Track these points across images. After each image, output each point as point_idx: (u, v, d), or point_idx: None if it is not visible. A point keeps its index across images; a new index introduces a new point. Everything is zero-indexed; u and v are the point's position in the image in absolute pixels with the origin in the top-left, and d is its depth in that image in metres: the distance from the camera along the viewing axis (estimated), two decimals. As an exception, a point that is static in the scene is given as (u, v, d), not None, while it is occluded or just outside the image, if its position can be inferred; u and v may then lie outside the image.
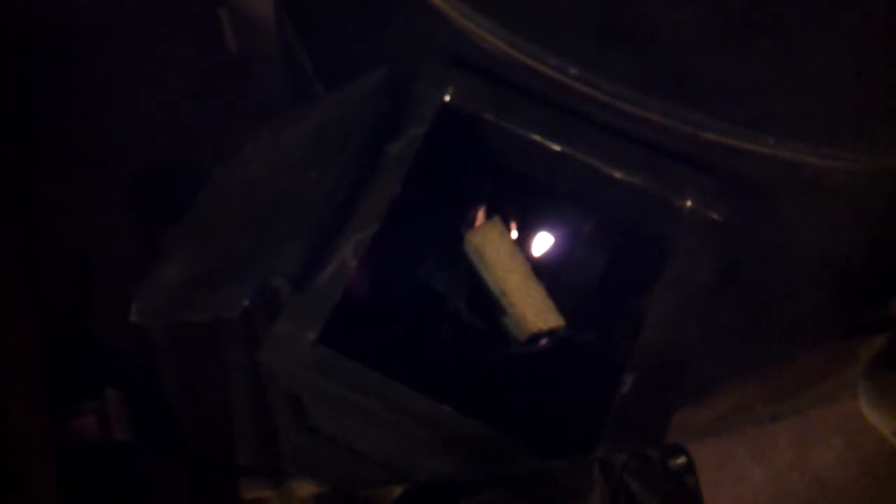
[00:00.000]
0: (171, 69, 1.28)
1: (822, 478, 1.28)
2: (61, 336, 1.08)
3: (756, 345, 0.88)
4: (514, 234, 0.68)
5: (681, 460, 0.45)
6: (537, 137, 0.59)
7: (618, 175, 0.59)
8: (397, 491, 0.45)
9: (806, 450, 1.29)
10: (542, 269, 0.65)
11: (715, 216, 0.58)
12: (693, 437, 1.26)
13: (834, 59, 0.57)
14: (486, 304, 0.60)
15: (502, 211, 0.68)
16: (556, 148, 0.59)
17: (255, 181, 0.62)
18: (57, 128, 1.21)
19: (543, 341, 0.60)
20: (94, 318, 1.11)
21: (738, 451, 1.29)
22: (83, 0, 1.24)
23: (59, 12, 1.23)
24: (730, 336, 0.82)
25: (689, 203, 0.58)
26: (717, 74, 0.58)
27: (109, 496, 0.99)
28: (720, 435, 1.27)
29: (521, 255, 0.59)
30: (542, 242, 0.68)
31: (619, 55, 0.58)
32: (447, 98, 0.60)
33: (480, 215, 0.68)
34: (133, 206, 1.18)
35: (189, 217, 0.65)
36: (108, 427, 0.99)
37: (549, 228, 0.68)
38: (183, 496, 1.03)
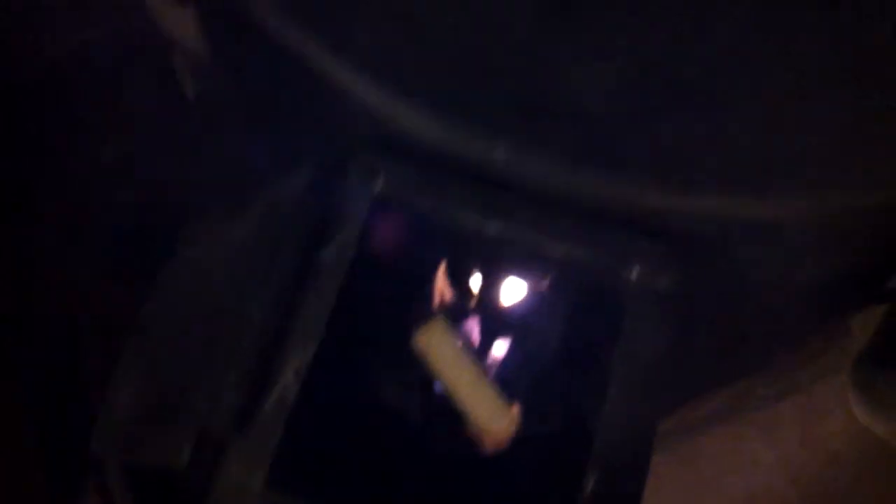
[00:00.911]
0: (136, 120, 1.26)
1: (831, 450, 1.28)
2: (56, 413, 1.08)
3: (736, 357, 0.87)
4: (476, 288, 0.67)
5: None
6: (472, 222, 0.57)
7: (559, 253, 0.57)
8: None
9: (812, 425, 1.28)
10: (501, 333, 0.64)
11: (662, 285, 0.56)
12: (701, 428, 1.26)
13: (763, 112, 0.55)
14: (442, 405, 0.59)
15: (457, 277, 0.67)
16: (492, 232, 0.57)
17: (193, 294, 0.61)
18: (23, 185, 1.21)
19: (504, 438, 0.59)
20: (87, 384, 1.11)
21: (747, 433, 1.29)
22: (47, 55, 1.22)
23: (21, 69, 1.22)
24: (709, 356, 0.81)
25: (634, 274, 0.56)
26: (645, 140, 0.56)
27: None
28: (727, 421, 1.26)
29: (468, 354, 0.57)
30: (501, 307, 0.67)
31: (544, 132, 0.56)
32: (378, 189, 0.58)
33: (439, 284, 0.67)
34: (110, 269, 1.18)
35: (137, 330, 0.64)
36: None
37: (506, 292, 0.67)
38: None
